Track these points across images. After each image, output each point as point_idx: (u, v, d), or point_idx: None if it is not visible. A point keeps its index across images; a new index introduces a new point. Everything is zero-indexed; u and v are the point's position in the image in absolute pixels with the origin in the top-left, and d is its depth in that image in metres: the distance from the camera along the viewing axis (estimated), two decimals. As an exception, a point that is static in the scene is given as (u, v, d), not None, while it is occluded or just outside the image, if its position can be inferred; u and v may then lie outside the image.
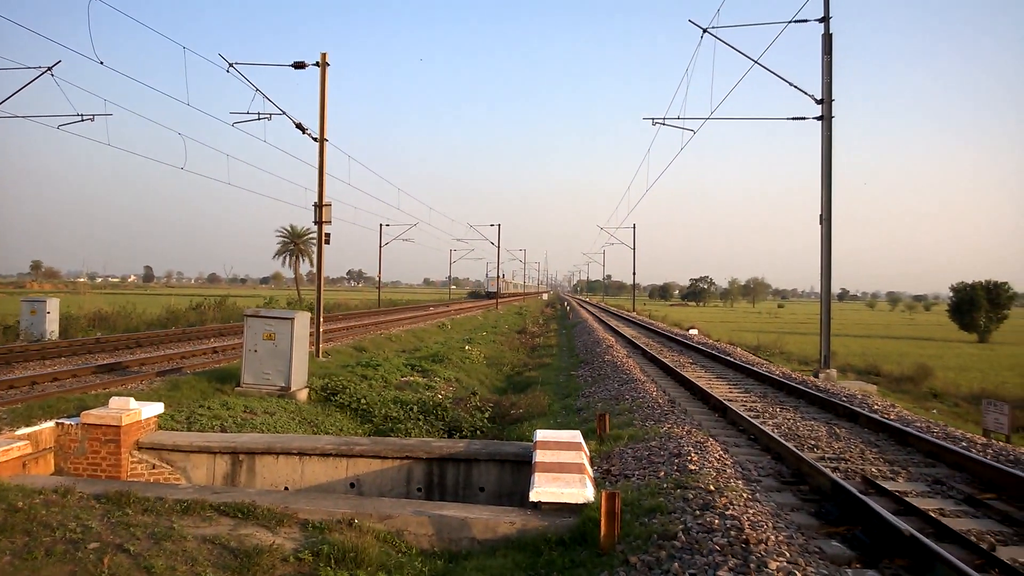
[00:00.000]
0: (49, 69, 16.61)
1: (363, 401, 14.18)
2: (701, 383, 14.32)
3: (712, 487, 6.62)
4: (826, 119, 18.01)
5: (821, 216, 18.15)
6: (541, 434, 8.47)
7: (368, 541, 6.24)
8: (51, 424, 9.21)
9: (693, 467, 7.48)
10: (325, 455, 9.38)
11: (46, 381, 13.57)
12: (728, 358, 19.86)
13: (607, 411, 11.00)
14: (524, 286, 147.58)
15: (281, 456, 9.46)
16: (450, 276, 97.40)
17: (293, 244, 74.83)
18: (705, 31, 18.21)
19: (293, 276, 78.80)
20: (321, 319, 19.32)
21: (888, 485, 7.13)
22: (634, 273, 72.04)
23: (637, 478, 7.65)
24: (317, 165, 19.08)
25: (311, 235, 70.34)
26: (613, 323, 41.82)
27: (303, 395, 13.57)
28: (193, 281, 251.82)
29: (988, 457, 8.24)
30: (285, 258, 76.57)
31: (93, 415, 9.11)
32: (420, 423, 13.55)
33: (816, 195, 18.32)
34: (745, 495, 6.47)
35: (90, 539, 6.00)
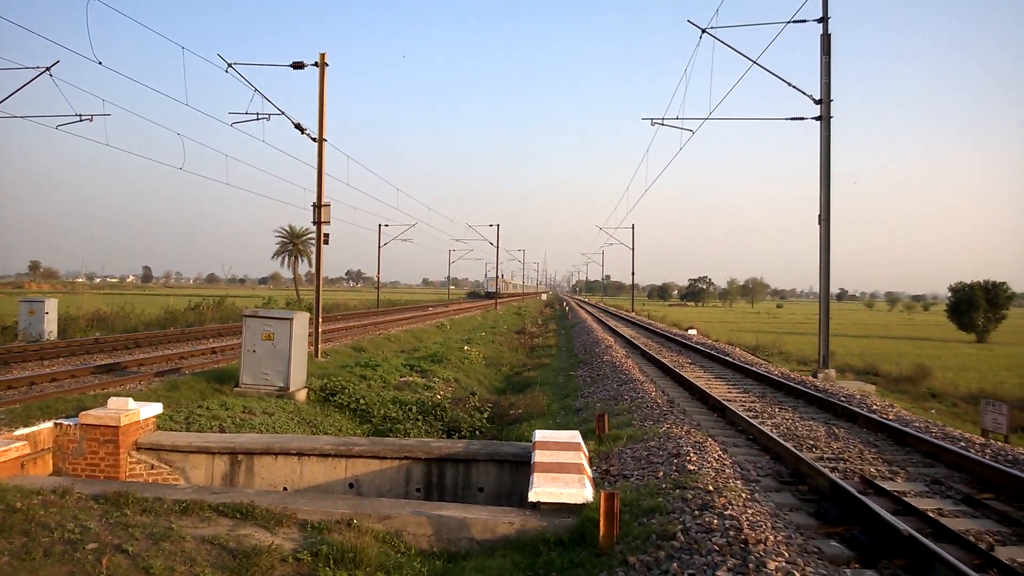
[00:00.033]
0: (48, 69, 16.60)
1: (362, 401, 14.17)
2: (700, 383, 14.33)
3: (711, 487, 6.62)
4: (825, 119, 18.03)
5: (820, 216, 18.16)
6: (540, 434, 8.47)
7: (367, 541, 6.24)
8: (49, 424, 9.20)
9: (692, 467, 7.48)
10: (324, 455, 9.38)
11: (44, 381, 13.56)
12: (727, 358, 19.87)
13: (606, 411, 11.01)
14: (523, 286, 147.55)
15: (280, 456, 9.45)
16: (449, 276, 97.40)
17: (292, 244, 74.80)
18: (704, 31, 18.22)
19: (292, 276, 78.75)
20: (320, 319, 19.31)
21: (887, 485, 7.14)
22: (633, 273, 72.01)
23: (636, 478, 7.65)
24: (316, 165, 19.07)
25: (310, 235, 70.37)
26: (612, 323, 41.82)
27: (302, 395, 13.56)
28: (192, 281, 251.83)
29: (986, 457, 8.25)
30: (284, 258, 76.57)
31: (91, 415, 9.10)
32: (419, 423, 13.55)
33: (815, 195, 18.35)
34: (744, 495, 6.47)
35: (88, 539, 5.99)
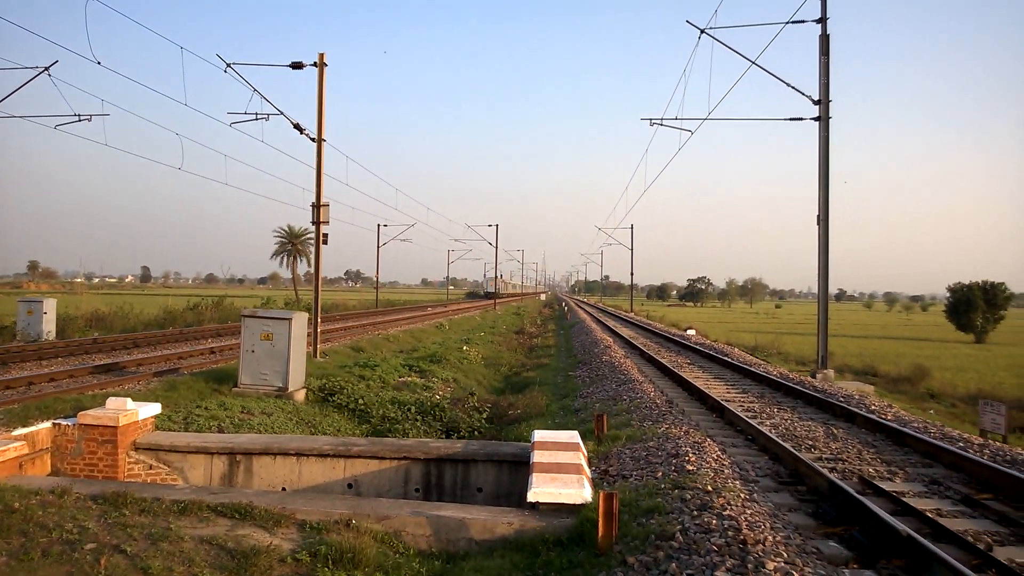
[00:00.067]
0: (46, 69, 16.58)
1: (361, 402, 14.16)
2: (699, 383, 14.33)
3: (710, 487, 6.62)
4: (823, 120, 18.04)
5: (819, 216, 18.17)
6: (539, 434, 8.47)
7: (366, 542, 6.24)
8: (48, 425, 9.19)
9: (691, 467, 7.48)
10: (323, 456, 9.37)
11: (43, 381, 13.54)
12: (726, 358, 19.88)
13: (605, 411, 11.01)
14: (522, 286, 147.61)
15: (278, 457, 9.44)
16: (448, 276, 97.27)
17: (291, 244, 74.75)
18: (703, 32, 18.22)
19: (291, 276, 78.68)
20: (319, 319, 19.30)
21: (885, 485, 7.14)
22: (632, 273, 71.76)
23: (635, 478, 7.65)
24: (315, 165, 19.07)
25: (309, 235, 70.33)
26: (611, 323, 41.84)
27: (301, 396, 13.55)
28: (191, 281, 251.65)
29: (985, 457, 8.25)
30: (283, 258, 76.53)
31: (90, 415, 9.09)
32: (418, 423, 13.54)
33: (813, 196, 18.36)
34: (743, 495, 6.47)
35: (87, 540, 5.99)
